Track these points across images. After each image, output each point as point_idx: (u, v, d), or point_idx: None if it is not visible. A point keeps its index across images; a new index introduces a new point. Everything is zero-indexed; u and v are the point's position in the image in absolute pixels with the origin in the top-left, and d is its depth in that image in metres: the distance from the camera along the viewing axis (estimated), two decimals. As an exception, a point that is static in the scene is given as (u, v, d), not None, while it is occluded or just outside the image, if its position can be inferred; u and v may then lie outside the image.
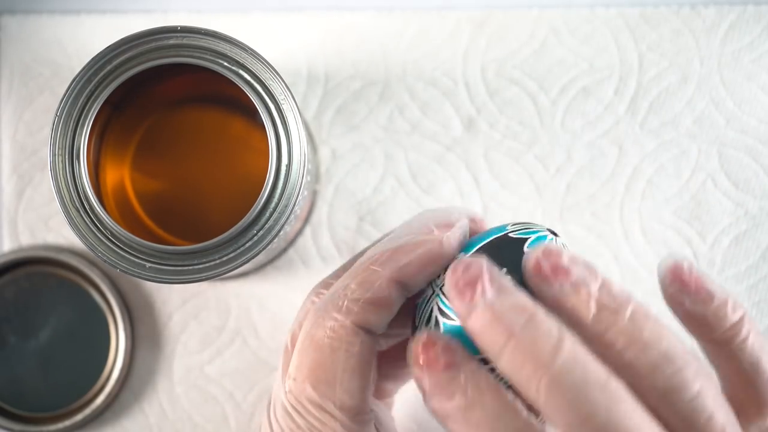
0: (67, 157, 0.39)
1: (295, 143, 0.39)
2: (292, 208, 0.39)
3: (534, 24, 0.52)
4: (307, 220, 0.52)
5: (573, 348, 0.31)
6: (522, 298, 0.32)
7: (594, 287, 0.33)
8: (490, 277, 0.32)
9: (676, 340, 0.32)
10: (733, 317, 0.34)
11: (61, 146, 0.39)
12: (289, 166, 0.39)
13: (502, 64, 0.52)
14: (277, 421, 0.39)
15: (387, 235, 0.41)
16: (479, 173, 0.52)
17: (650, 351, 0.32)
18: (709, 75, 0.52)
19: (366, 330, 0.37)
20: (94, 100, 0.40)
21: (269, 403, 0.40)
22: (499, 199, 0.52)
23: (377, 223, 0.52)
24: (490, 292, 0.32)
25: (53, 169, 0.39)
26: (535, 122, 0.52)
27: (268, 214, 0.39)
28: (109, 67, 0.40)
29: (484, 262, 0.32)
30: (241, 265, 0.39)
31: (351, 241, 0.52)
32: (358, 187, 0.52)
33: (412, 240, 0.38)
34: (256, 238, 0.39)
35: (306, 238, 0.52)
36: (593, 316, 0.32)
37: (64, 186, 0.39)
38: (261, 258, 0.41)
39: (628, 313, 0.32)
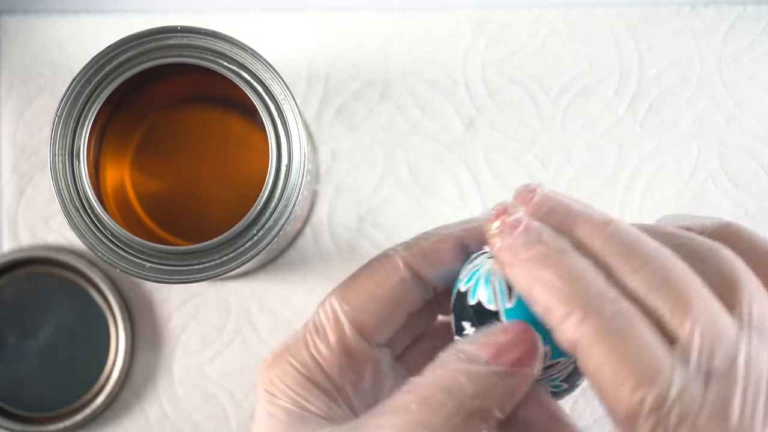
0: (67, 157, 0.39)
1: (295, 143, 0.39)
2: (292, 208, 0.39)
3: (534, 24, 0.52)
4: (307, 220, 0.52)
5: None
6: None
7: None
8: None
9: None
10: None
11: (61, 146, 0.39)
12: (289, 166, 0.39)
13: (502, 64, 0.52)
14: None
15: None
16: (479, 173, 0.52)
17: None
18: (709, 75, 0.52)
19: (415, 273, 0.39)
20: (94, 100, 0.40)
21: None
22: (499, 199, 0.52)
23: (377, 223, 0.52)
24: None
25: (53, 169, 0.39)
26: (535, 122, 0.52)
27: (268, 214, 0.39)
28: (109, 67, 0.40)
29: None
30: (241, 265, 0.39)
31: (351, 241, 0.52)
32: (358, 187, 0.52)
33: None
34: (256, 238, 0.39)
35: (306, 238, 0.52)
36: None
37: (64, 186, 0.39)
38: (261, 258, 0.41)
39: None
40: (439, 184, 0.52)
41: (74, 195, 0.39)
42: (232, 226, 0.39)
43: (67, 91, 0.39)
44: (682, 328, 0.32)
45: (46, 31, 0.52)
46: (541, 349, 0.35)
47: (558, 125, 0.52)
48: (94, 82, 0.40)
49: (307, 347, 0.39)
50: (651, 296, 0.33)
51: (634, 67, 0.52)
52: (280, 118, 0.40)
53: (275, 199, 0.39)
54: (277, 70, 0.40)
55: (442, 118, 0.52)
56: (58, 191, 0.39)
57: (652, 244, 0.34)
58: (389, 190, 0.52)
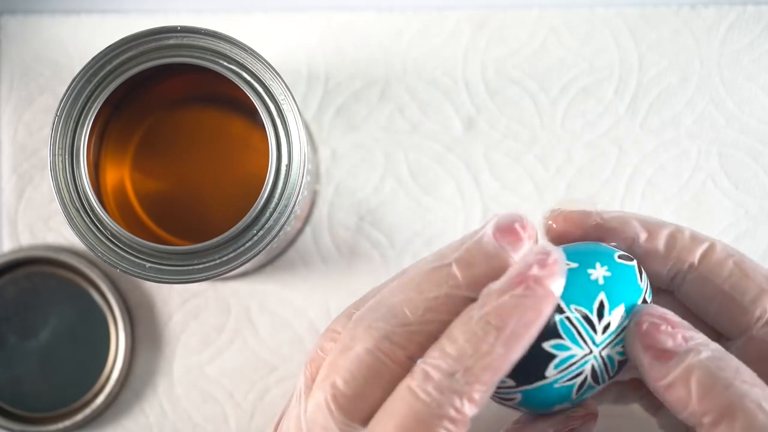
0: (67, 157, 0.39)
1: (295, 143, 0.39)
2: (292, 208, 0.39)
3: (534, 24, 0.52)
4: (307, 220, 0.52)
5: None
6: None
7: None
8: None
9: None
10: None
11: (61, 146, 0.39)
12: (289, 166, 0.39)
13: (502, 64, 0.52)
14: None
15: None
16: (479, 173, 0.52)
17: None
18: (709, 75, 0.52)
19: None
20: (94, 100, 0.40)
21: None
22: (499, 199, 0.52)
23: (377, 223, 0.52)
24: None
25: (53, 169, 0.39)
26: (535, 122, 0.52)
27: (268, 214, 0.39)
28: (109, 67, 0.40)
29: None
30: (241, 265, 0.39)
31: (351, 241, 0.52)
32: (358, 187, 0.52)
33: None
34: (256, 238, 0.39)
35: (306, 238, 0.52)
36: None
37: (64, 186, 0.39)
38: (261, 258, 0.41)
39: None
40: (439, 184, 0.52)
41: (74, 195, 0.39)
42: (232, 226, 0.39)
43: (67, 91, 0.40)
44: None
45: (47, 31, 0.52)
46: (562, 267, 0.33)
47: (558, 125, 0.52)
48: (94, 82, 0.40)
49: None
50: None
51: (634, 67, 0.52)
52: (280, 118, 0.40)
53: (275, 199, 0.39)
54: (277, 70, 0.40)
55: (442, 118, 0.52)
56: (58, 191, 0.39)
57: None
58: (389, 190, 0.52)
